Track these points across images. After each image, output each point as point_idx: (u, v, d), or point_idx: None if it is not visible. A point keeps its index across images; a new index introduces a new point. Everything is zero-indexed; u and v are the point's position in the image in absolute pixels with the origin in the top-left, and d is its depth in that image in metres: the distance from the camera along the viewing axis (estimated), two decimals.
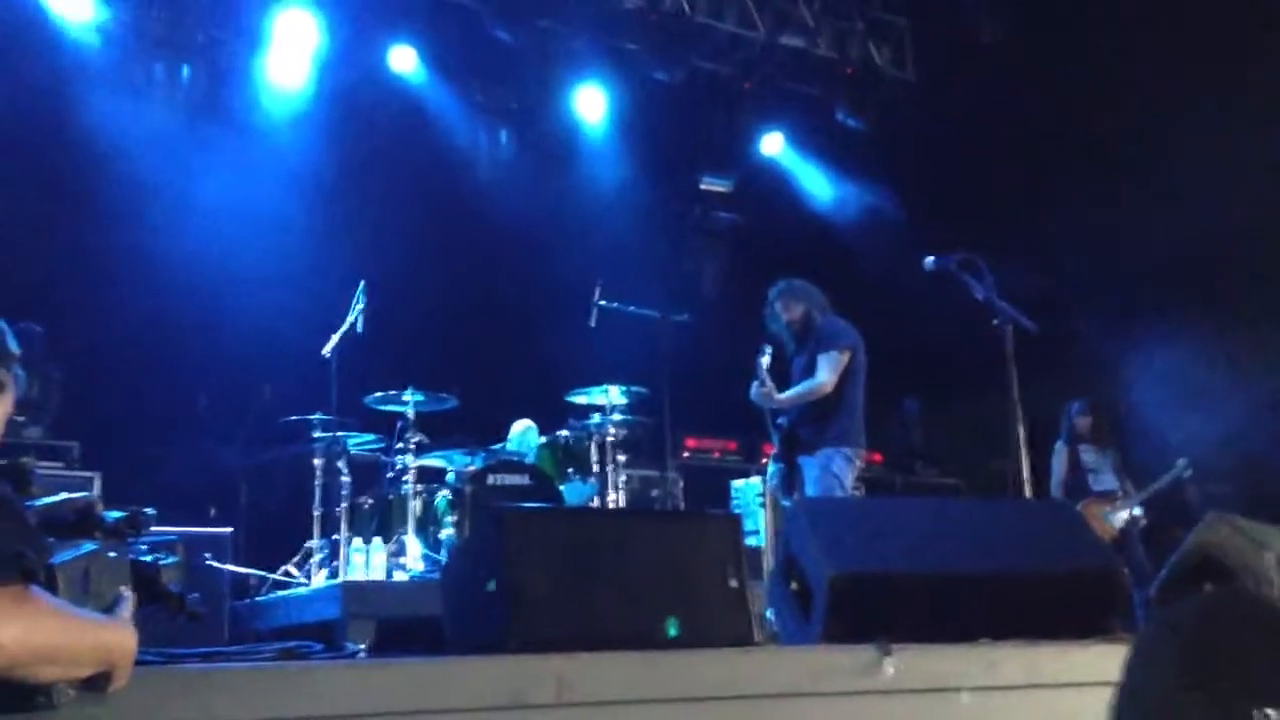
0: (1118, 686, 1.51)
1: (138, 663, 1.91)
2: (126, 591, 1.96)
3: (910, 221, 9.14)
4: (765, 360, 5.98)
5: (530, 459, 7.31)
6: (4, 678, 1.60)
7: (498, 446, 7.43)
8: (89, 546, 1.92)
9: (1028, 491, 5.21)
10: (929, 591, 3.30)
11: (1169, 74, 7.59)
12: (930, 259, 5.57)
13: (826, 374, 5.81)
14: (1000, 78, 8.60)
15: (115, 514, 2.05)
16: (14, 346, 2.03)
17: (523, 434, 7.61)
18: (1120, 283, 8.23)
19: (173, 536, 2.14)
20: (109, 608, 1.89)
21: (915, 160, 9.11)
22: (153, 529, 2.09)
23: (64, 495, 2.05)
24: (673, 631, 2.67)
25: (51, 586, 1.72)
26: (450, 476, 7.07)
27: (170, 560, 2.07)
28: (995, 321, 5.27)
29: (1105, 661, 2.95)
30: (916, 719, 2.78)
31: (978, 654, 2.94)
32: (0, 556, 1.57)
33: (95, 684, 1.81)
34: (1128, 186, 7.95)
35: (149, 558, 2.04)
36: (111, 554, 1.97)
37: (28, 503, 1.94)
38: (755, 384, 5.95)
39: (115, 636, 1.81)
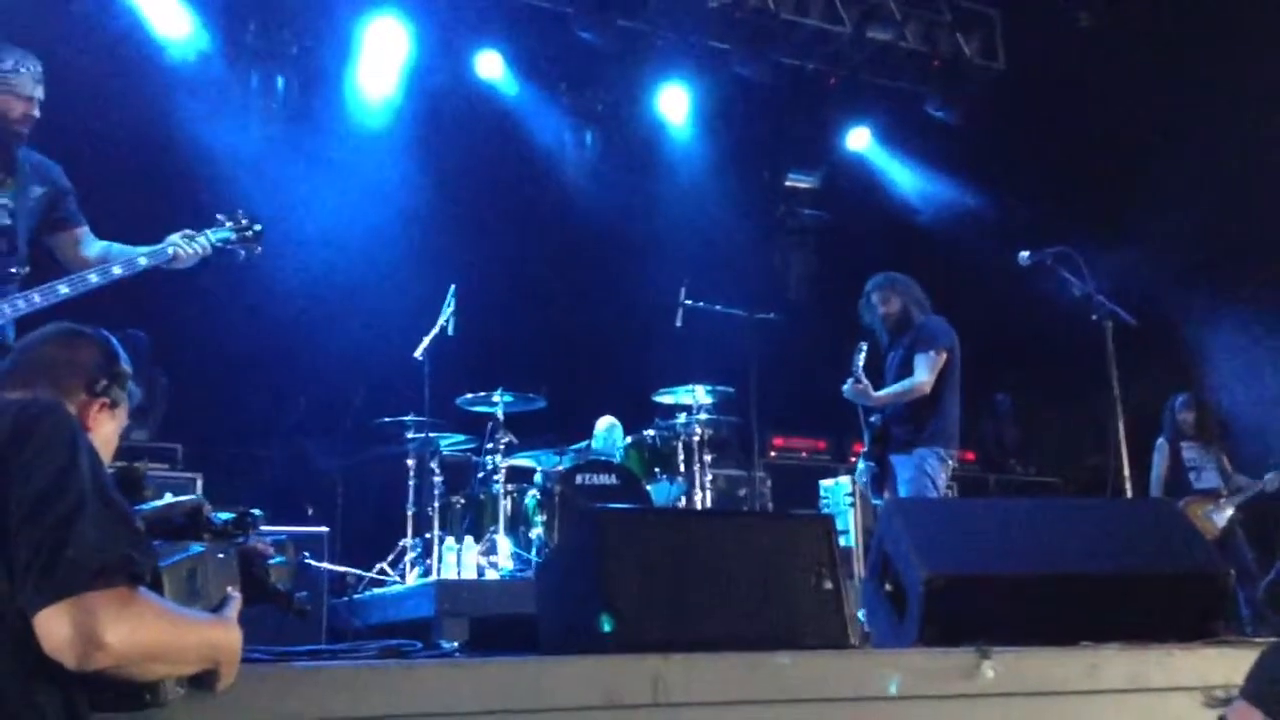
0: (1244, 694, 1.47)
1: (248, 660, 1.97)
2: (234, 591, 2.02)
3: (1003, 215, 8.97)
4: (861, 357, 5.90)
5: (617, 457, 7.35)
6: (113, 676, 1.66)
7: (582, 445, 7.49)
8: (196, 549, 1.98)
9: (1128, 490, 5.10)
10: (1027, 593, 3.25)
11: (1273, 57, 7.34)
12: (1025, 253, 5.47)
13: (925, 374, 5.72)
14: (1096, 65, 8.38)
15: (224, 516, 2.12)
16: (126, 365, 2.11)
17: (608, 430, 7.66)
18: (1222, 274, 7.97)
19: (282, 537, 2.20)
20: (216, 608, 1.96)
21: (1007, 152, 8.94)
22: (259, 529, 2.16)
23: (172, 498, 2.12)
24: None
25: (158, 588, 1.79)
26: (538, 477, 7.15)
27: (279, 560, 2.13)
28: (1094, 316, 5.16)
29: (1210, 665, 2.88)
30: None
31: (1079, 657, 2.88)
32: (109, 560, 1.63)
33: (203, 682, 1.88)
34: (1231, 175, 7.70)
35: (279, 560, 2.11)
36: (219, 555, 2.03)
37: (139, 506, 2.02)
38: (850, 380, 5.86)
39: (221, 635, 1.88)
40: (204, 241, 4.28)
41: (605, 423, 7.69)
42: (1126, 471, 5.07)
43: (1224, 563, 3.70)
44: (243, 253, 4.44)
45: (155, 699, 1.79)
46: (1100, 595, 3.27)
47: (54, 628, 1.59)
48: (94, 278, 3.96)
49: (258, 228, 4.45)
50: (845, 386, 5.88)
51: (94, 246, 4.22)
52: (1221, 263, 7.95)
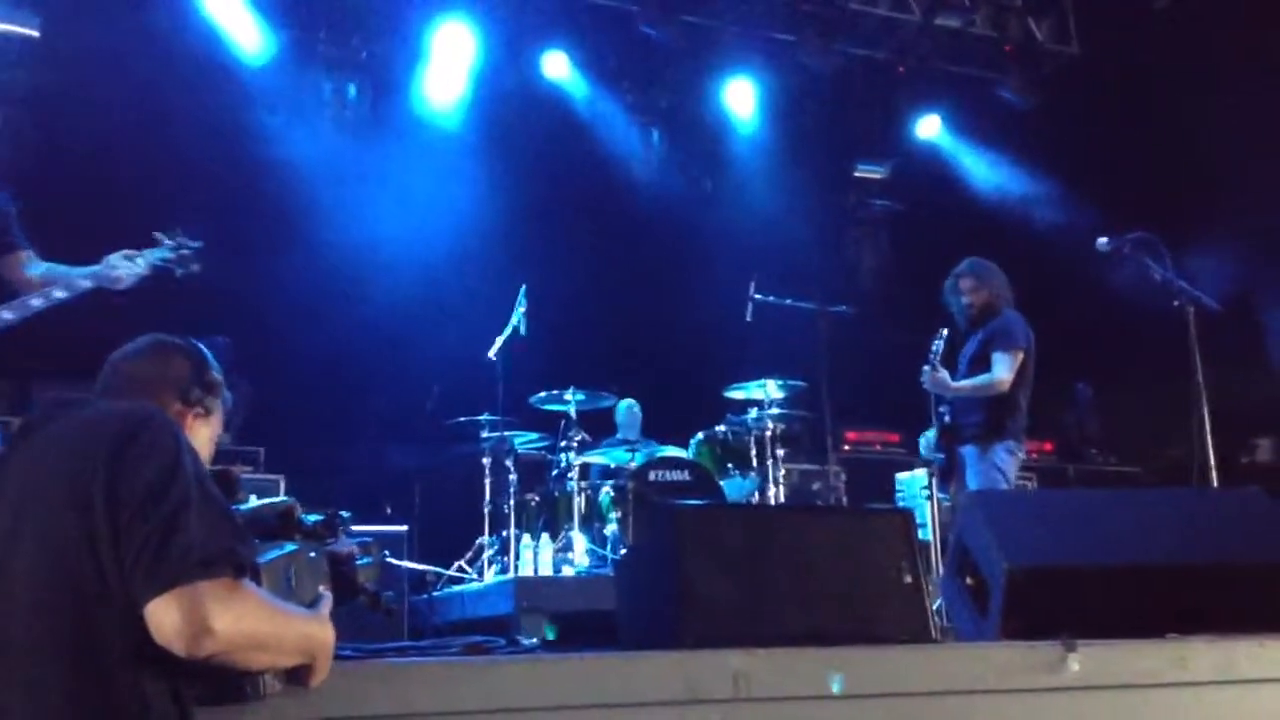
0: None
1: (337, 657, 2.02)
2: (325, 590, 2.08)
3: (1080, 201, 8.80)
4: (940, 344, 5.82)
5: (636, 431, 7.52)
6: (219, 665, 1.73)
7: (609, 442, 7.57)
8: (290, 547, 2.04)
9: (1213, 479, 4.99)
10: (1111, 585, 3.19)
11: None
12: (1104, 240, 5.37)
13: (1004, 373, 5.65)
14: (1172, 45, 8.19)
15: (313, 517, 2.18)
16: (218, 373, 2.17)
17: (627, 410, 7.77)
18: None
19: (368, 538, 2.25)
20: (310, 604, 2.02)
21: (1083, 137, 8.77)
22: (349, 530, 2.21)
23: (264, 500, 2.18)
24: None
25: (257, 582, 1.85)
26: (597, 473, 7.21)
27: (365, 560, 2.18)
28: (1176, 303, 5.05)
29: None
30: (1105, 718, 2.69)
31: (1168, 649, 2.83)
32: (215, 551, 1.70)
33: (298, 676, 1.93)
34: None
35: (365, 560, 2.15)
36: (311, 554, 2.10)
37: (235, 507, 2.08)
38: (927, 369, 5.78)
39: (318, 629, 1.94)
40: (142, 261, 4.31)
41: (624, 404, 7.79)
42: (1212, 460, 4.96)
43: None
44: (179, 271, 4.44)
45: (255, 692, 1.87)
46: (1188, 586, 3.21)
47: (164, 616, 1.65)
48: (36, 302, 4.10)
49: (195, 245, 4.46)
50: (923, 375, 5.81)
51: (38, 268, 4.31)
52: None
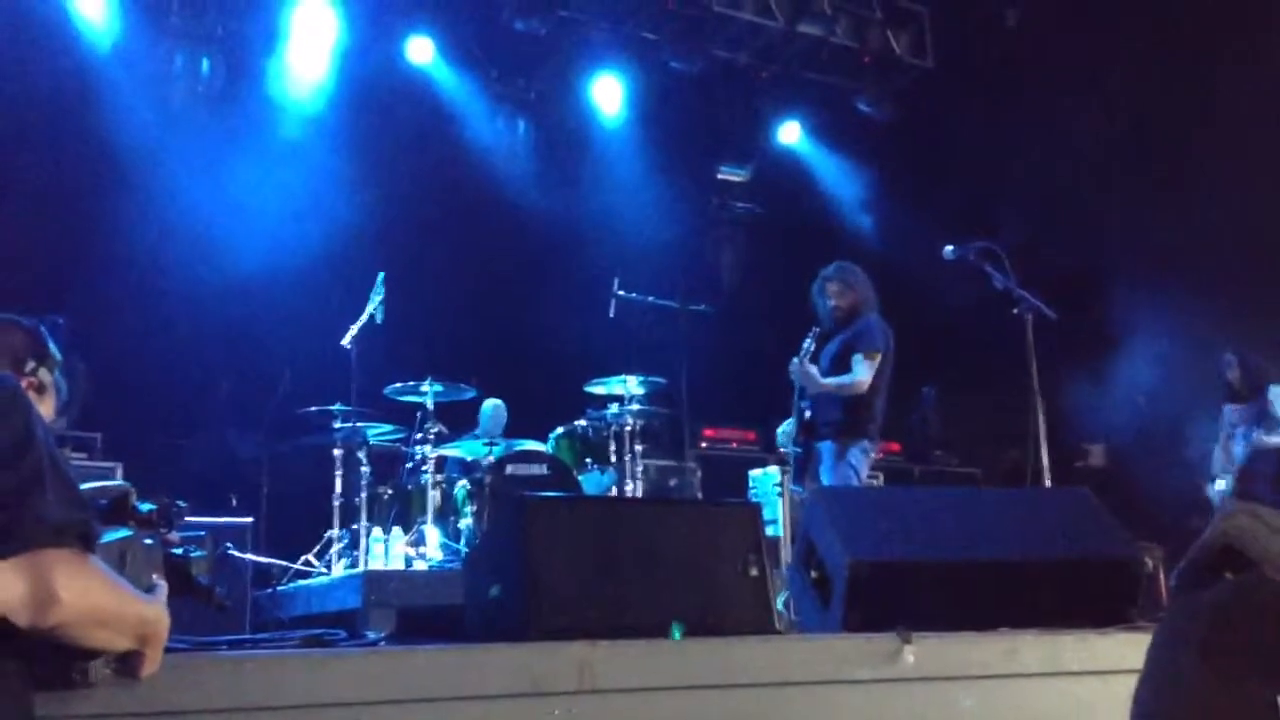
0: (1142, 671, 1.53)
1: (169, 649, 1.94)
2: (160, 579, 2.01)
3: (929, 210, 9.11)
4: (811, 341, 5.96)
5: (499, 436, 7.41)
6: (58, 639, 1.66)
7: (468, 437, 7.49)
8: (124, 532, 1.97)
9: (1046, 480, 5.21)
10: (948, 580, 3.31)
11: (1203, 54, 7.49)
12: (950, 248, 5.56)
13: (864, 375, 5.81)
14: (1022, 63, 8.53)
15: (148, 505, 2.10)
16: (56, 351, 2.11)
17: (493, 411, 7.70)
18: (1150, 270, 8.14)
19: (201, 532, 2.19)
20: (145, 592, 1.94)
21: (934, 148, 9.07)
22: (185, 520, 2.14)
23: (97, 484, 2.10)
24: (677, 635, 2.65)
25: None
26: (454, 467, 7.12)
27: (199, 554, 2.12)
28: (1015, 310, 5.26)
29: (1124, 649, 2.96)
30: (937, 707, 2.78)
31: (997, 642, 2.94)
32: (64, 523, 1.64)
33: (129, 664, 1.87)
34: (1154, 168, 7.87)
35: (179, 550, 2.10)
36: (146, 542, 2.03)
37: None
38: (796, 361, 5.90)
39: (155, 614, 1.88)
40: None
41: (490, 404, 7.71)
42: (1046, 462, 5.18)
43: (1138, 551, 3.80)
44: None
45: (84, 679, 1.81)
46: (1019, 581, 3.35)
47: (11, 583, 1.58)
48: None
49: None
50: (792, 366, 5.92)
51: None
52: (1150, 256, 8.10)
